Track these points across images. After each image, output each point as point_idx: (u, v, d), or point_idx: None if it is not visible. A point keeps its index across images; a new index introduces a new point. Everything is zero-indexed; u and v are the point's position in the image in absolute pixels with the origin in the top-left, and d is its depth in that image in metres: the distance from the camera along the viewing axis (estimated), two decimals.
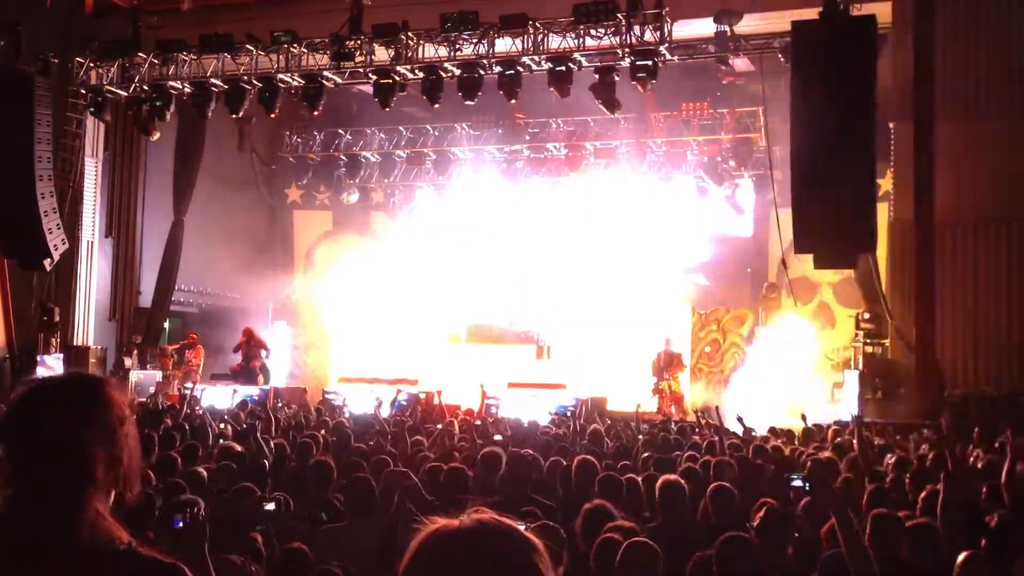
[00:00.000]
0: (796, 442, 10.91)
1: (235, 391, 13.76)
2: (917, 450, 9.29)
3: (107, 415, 2.04)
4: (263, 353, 19.60)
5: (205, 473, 7.01)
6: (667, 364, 17.17)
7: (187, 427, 10.00)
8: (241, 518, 5.83)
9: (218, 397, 13.64)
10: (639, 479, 6.55)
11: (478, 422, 11.83)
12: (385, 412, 12.91)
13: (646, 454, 8.60)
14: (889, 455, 8.36)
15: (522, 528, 1.58)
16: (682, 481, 5.85)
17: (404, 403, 13.56)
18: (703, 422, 12.14)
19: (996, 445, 9.27)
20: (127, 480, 2.06)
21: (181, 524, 3.04)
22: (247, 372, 19.05)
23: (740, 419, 11.47)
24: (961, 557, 3.99)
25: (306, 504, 6.43)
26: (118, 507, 2.09)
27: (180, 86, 18.90)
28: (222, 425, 10.55)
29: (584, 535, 4.85)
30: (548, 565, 1.52)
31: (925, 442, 9.91)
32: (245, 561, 4.24)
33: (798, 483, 6.22)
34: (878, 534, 4.35)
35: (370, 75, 17.69)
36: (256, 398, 14.89)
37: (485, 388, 14.59)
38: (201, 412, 11.38)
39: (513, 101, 17.42)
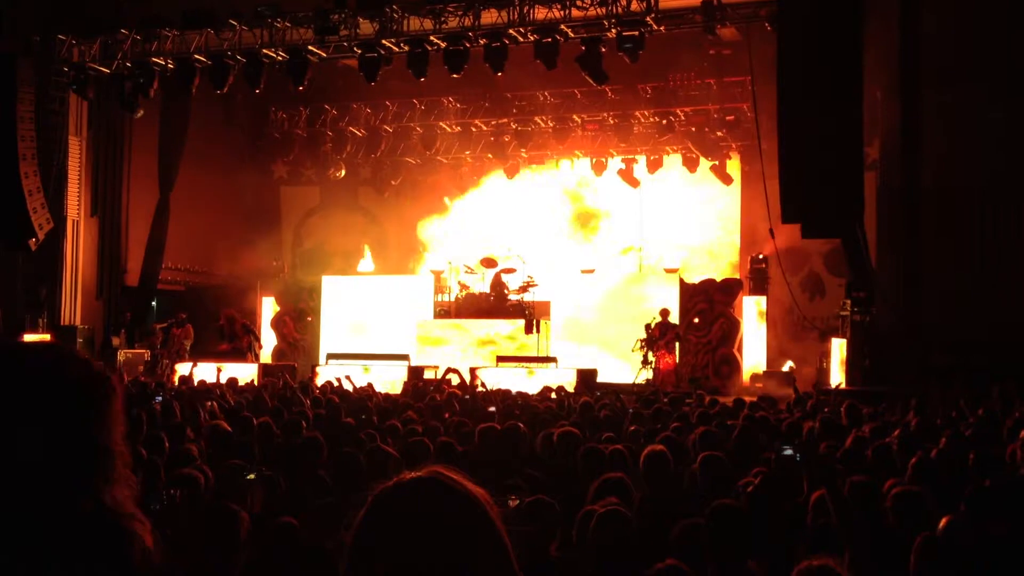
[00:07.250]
0: (786, 411, 10.96)
1: (219, 368, 13.73)
2: (904, 418, 9.32)
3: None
4: (249, 335, 19.52)
5: (196, 450, 6.99)
6: (661, 335, 17.20)
7: (178, 406, 9.97)
8: (231, 494, 5.84)
9: (204, 374, 13.64)
10: (626, 451, 6.55)
11: (467, 396, 11.83)
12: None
13: (635, 426, 8.61)
14: (870, 423, 8.41)
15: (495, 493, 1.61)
16: (666, 450, 5.85)
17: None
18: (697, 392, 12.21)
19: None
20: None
21: (158, 508, 3.03)
22: (235, 350, 19.02)
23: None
24: (943, 522, 4.02)
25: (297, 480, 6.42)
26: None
27: (163, 62, 18.73)
28: (210, 403, 10.52)
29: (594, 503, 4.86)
30: (498, 517, 1.56)
31: (911, 410, 9.95)
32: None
33: (789, 453, 6.23)
34: (860, 502, 4.37)
35: (355, 49, 17.56)
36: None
37: (477, 374, 14.67)
38: (188, 391, 11.38)
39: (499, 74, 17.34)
